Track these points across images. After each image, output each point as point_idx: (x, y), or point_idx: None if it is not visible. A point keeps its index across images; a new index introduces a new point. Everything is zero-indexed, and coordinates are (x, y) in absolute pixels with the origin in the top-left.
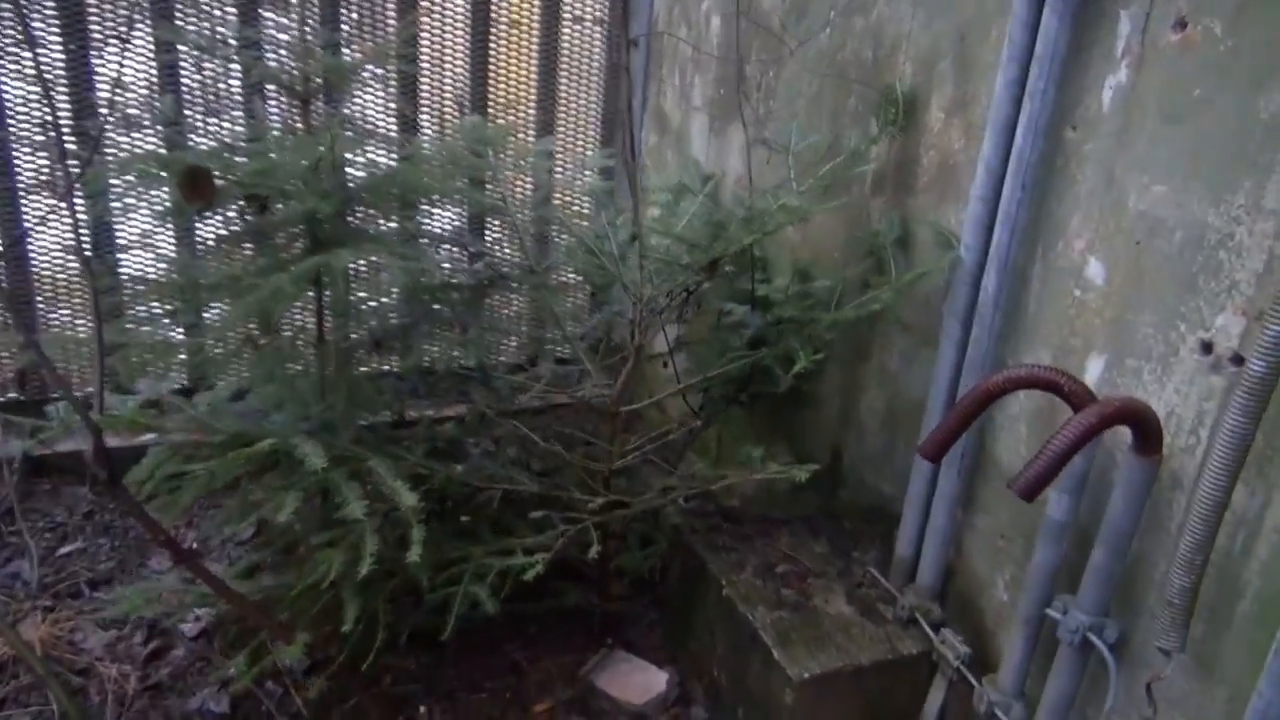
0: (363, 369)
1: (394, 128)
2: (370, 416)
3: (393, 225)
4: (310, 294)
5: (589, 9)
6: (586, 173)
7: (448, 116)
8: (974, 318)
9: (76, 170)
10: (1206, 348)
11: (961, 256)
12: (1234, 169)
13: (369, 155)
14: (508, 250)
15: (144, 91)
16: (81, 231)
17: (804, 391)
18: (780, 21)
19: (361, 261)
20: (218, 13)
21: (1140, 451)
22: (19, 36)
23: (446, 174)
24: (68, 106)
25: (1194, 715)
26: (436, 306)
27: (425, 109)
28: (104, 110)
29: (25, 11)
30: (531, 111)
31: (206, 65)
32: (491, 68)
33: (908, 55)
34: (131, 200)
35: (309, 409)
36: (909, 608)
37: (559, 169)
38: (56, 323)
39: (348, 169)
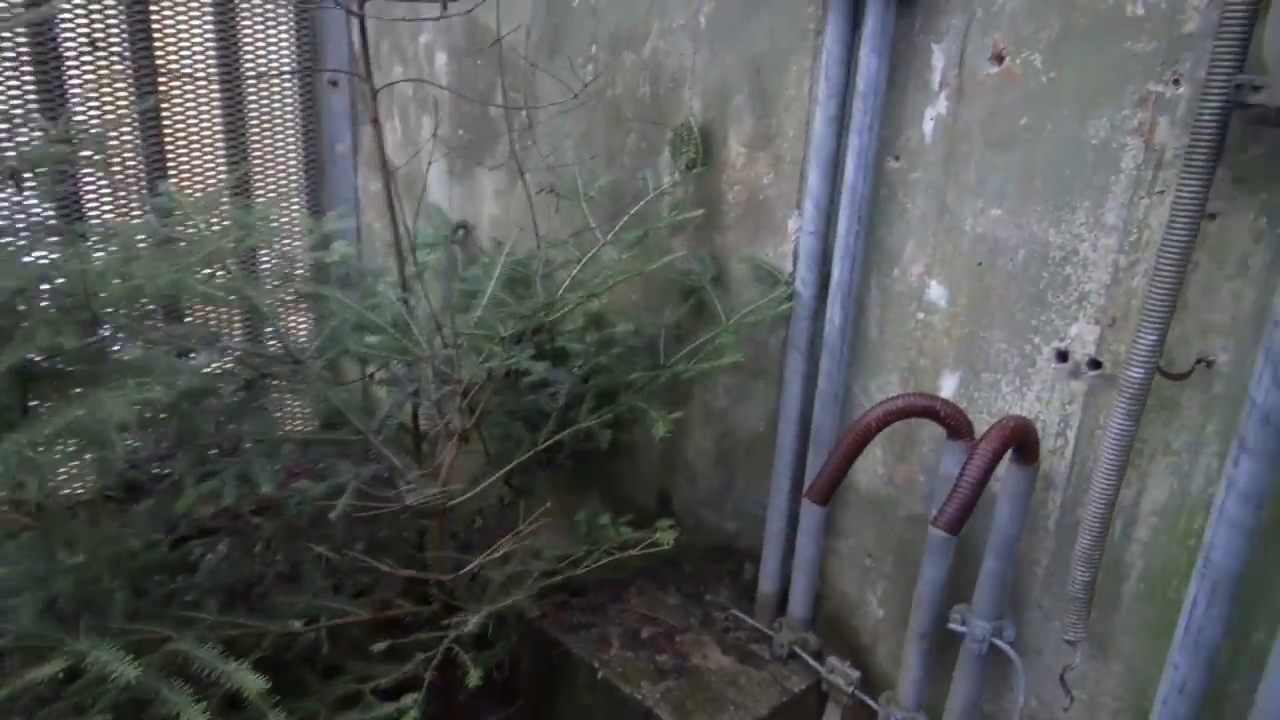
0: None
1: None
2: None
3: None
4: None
5: (273, 53)
6: (316, 235)
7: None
8: (820, 350)
9: None
10: (1062, 356)
11: (798, 290)
12: (1071, 190)
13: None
14: (267, 343)
15: None
16: None
17: (620, 441)
18: (527, 57)
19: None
20: None
21: (1022, 462)
22: None
23: (206, 260)
24: None
25: (1092, 692)
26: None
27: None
28: None
29: None
30: (220, 172)
31: None
32: (168, 128)
33: (694, 91)
34: None
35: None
36: (787, 644)
37: (285, 235)
38: None
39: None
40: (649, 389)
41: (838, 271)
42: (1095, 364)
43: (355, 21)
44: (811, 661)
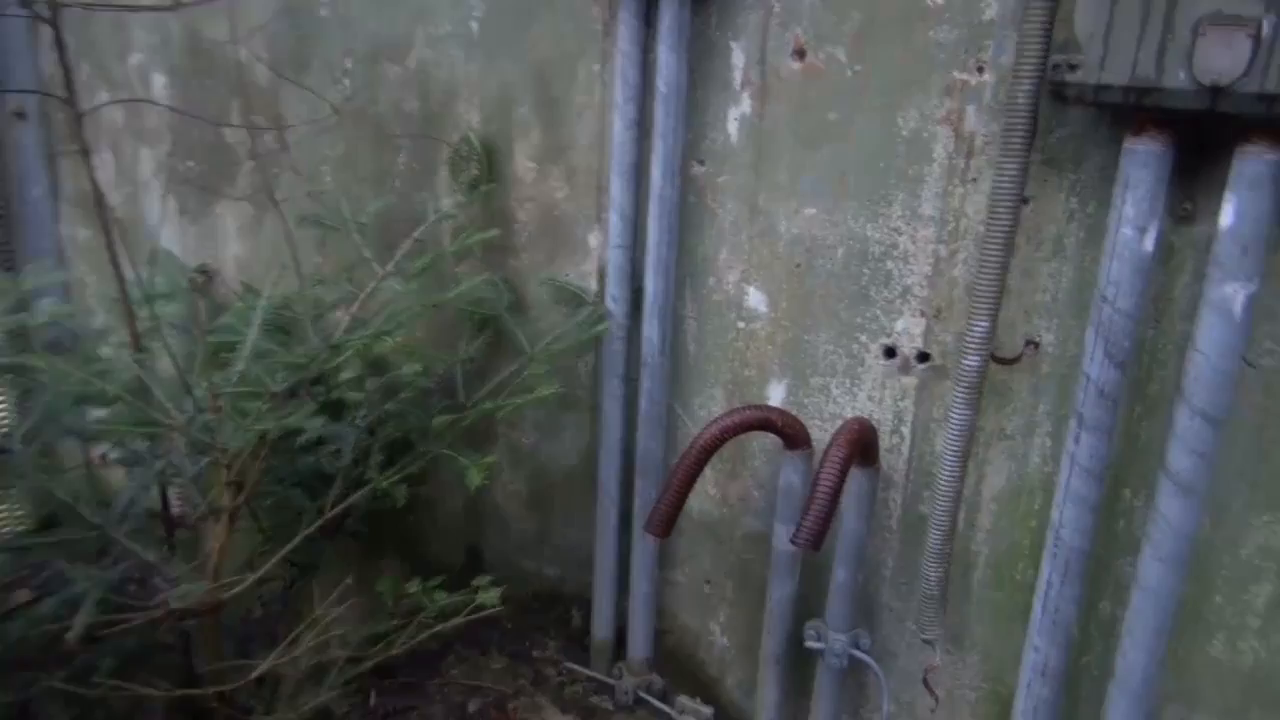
0: None
1: None
2: None
3: None
4: None
5: None
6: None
7: None
8: (640, 371)
9: None
10: (890, 352)
11: (609, 310)
12: (886, 183)
13: None
14: None
15: None
16: None
17: (418, 496)
18: (266, 75)
19: None
20: None
21: (864, 464)
22: None
23: None
24: None
25: (950, 685)
26: None
27: None
28: None
29: None
30: None
31: None
32: None
33: (471, 103)
34: None
35: None
36: (631, 689)
37: None
38: None
39: None
40: (450, 434)
41: (652, 285)
42: (924, 357)
43: (45, 35)
44: (659, 704)
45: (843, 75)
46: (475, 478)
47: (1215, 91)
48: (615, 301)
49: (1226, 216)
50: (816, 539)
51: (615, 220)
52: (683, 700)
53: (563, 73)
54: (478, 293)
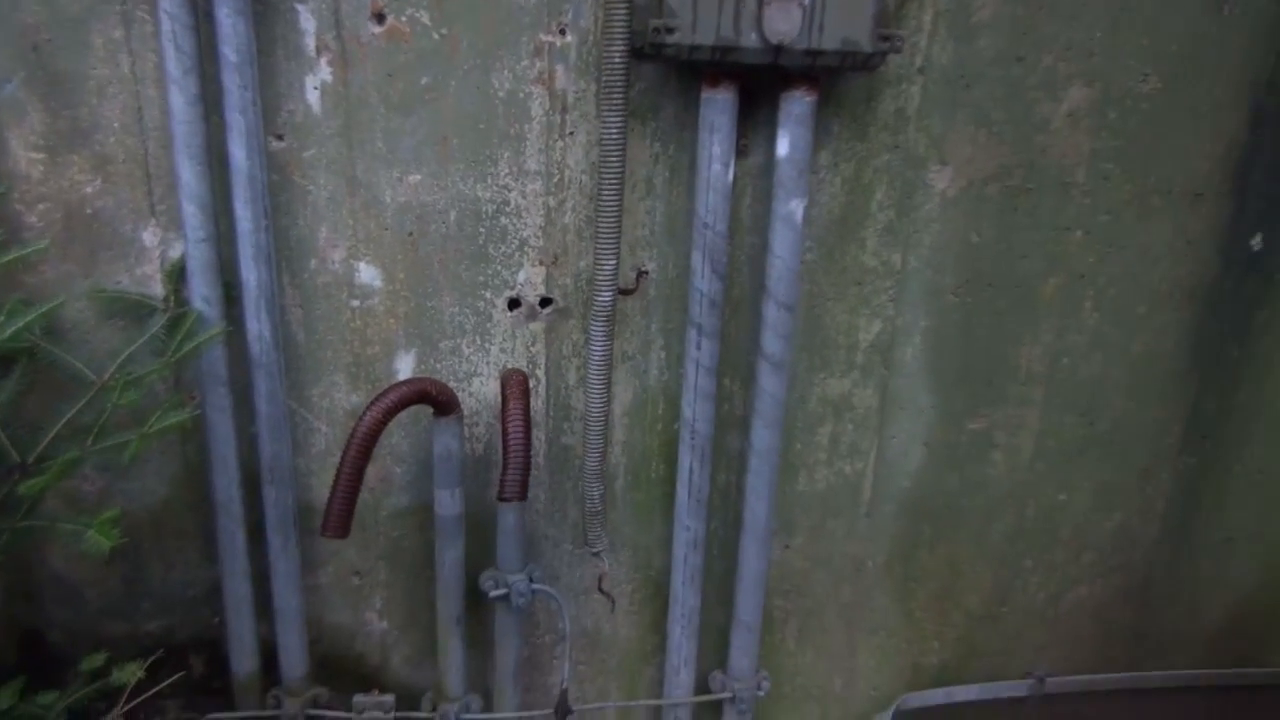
0: None
1: None
2: None
3: None
4: None
5: None
6: None
7: None
8: (253, 371)
9: None
10: (514, 304)
11: (200, 311)
12: (490, 143)
13: None
14: None
15: None
16: None
17: None
18: None
19: None
20: None
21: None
22: None
23: None
24: None
25: (607, 585)
26: None
27: None
28: None
29: None
30: None
31: None
32: None
33: None
34: None
35: None
36: (298, 711)
37: None
38: None
39: None
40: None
41: (254, 275)
42: (547, 301)
43: None
44: (334, 714)
45: (430, 38)
46: (102, 541)
47: (779, 49)
48: (207, 302)
49: (782, 147)
50: (522, 488)
51: (191, 211)
52: (359, 699)
53: (69, 42)
54: None
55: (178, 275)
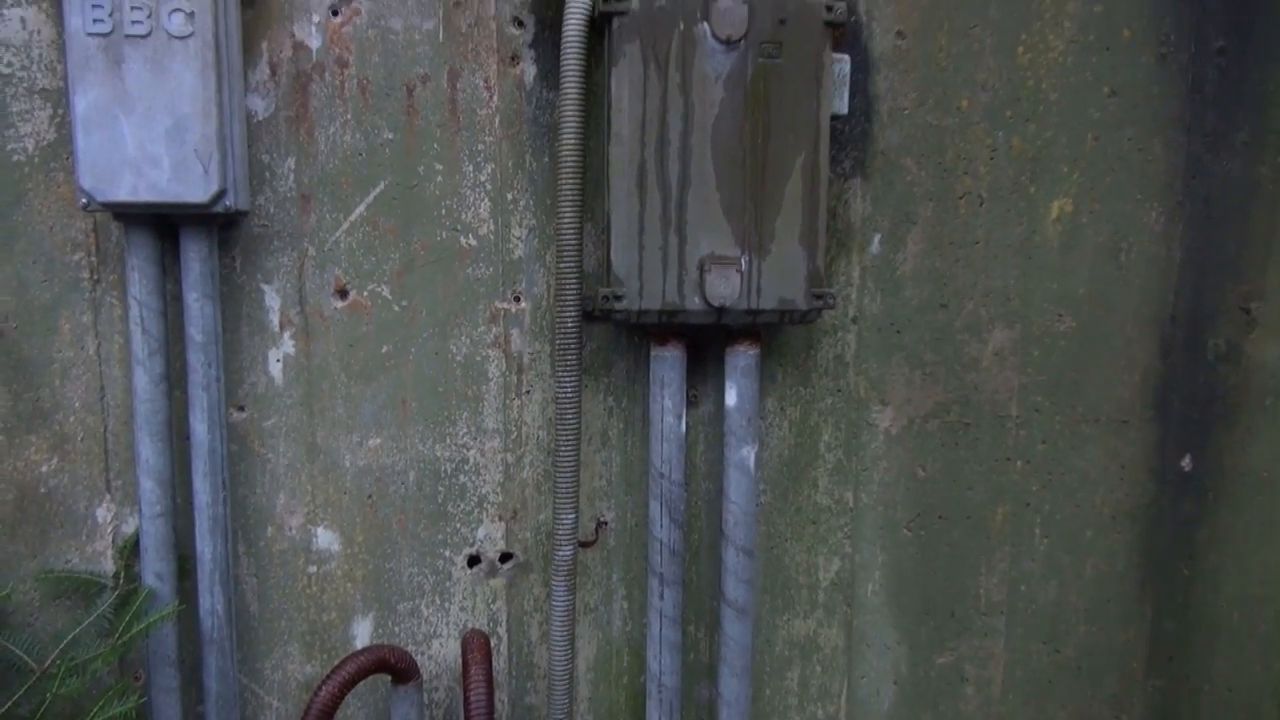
0: None
1: None
2: None
3: None
4: None
5: None
6: None
7: None
8: (204, 649)
9: None
10: (474, 560)
11: (152, 588)
12: (449, 405)
13: None
14: None
15: None
16: None
17: None
18: None
19: None
20: None
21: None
22: None
23: None
24: None
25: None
26: None
27: None
28: None
29: None
30: None
31: None
32: None
33: None
34: None
35: None
36: None
37: None
38: None
39: None
40: None
41: (209, 548)
42: (507, 557)
43: None
44: None
45: (390, 310)
46: None
47: (721, 310)
48: (159, 578)
49: (731, 398)
50: None
51: (149, 486)
52: None
53: (36, 327)
54: None
55: (130, 551)
